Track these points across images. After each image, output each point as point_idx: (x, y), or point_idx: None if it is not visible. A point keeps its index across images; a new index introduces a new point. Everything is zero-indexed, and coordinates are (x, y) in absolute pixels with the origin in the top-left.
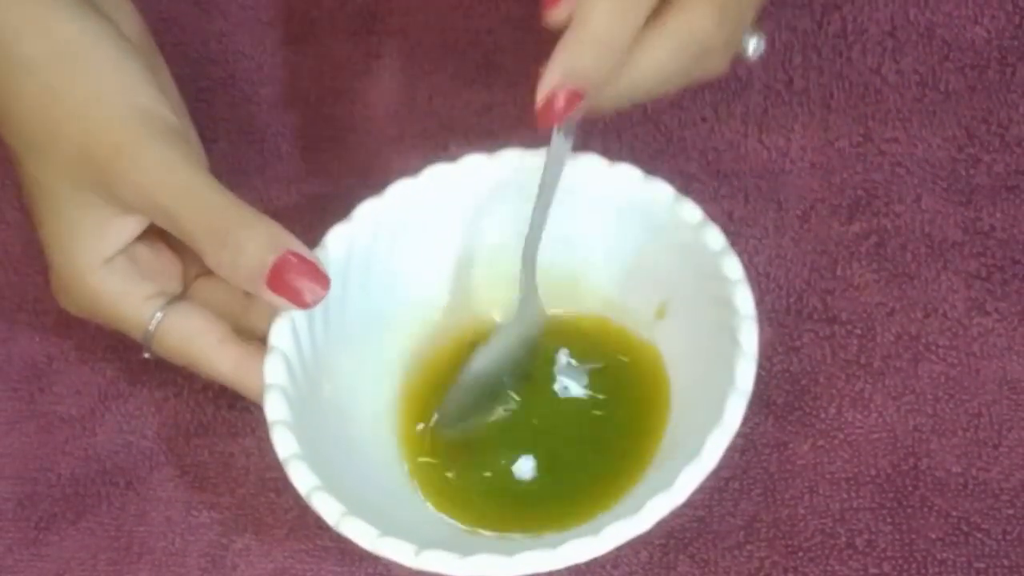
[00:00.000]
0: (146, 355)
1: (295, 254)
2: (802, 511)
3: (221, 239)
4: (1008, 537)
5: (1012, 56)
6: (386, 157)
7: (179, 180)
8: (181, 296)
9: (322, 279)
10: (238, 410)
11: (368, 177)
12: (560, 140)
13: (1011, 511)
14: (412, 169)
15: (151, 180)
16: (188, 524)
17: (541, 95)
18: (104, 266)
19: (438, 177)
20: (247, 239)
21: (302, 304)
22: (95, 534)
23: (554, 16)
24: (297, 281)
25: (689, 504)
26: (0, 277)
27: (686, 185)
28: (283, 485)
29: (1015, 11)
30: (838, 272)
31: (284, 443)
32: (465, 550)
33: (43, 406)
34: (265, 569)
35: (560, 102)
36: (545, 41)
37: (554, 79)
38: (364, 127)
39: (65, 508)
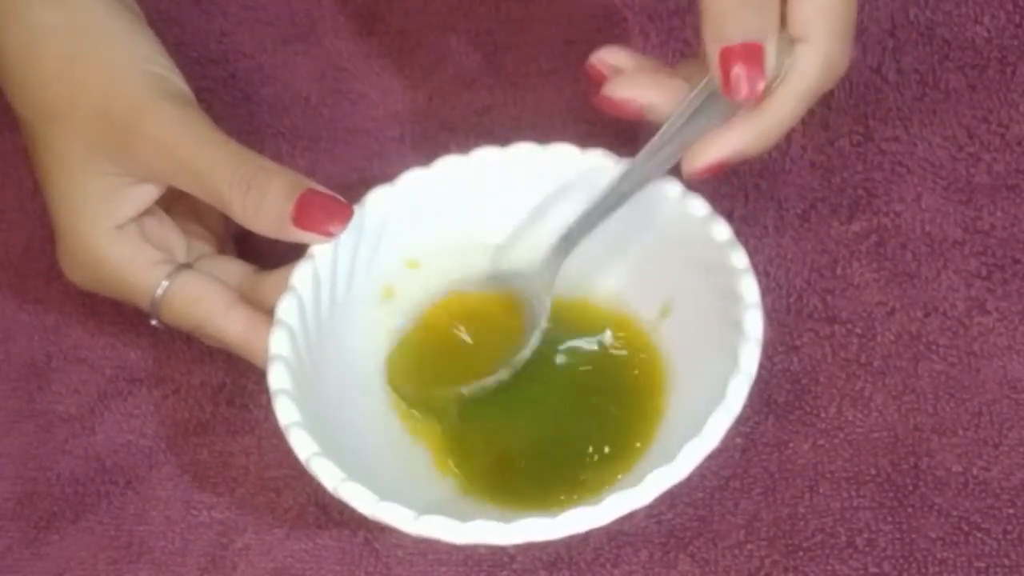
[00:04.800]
0: (153, 322)
1: (316, 191)
2: (802, 510)
3: (245, 184)
4: (1008, 537)
5: (1012, 55)
6: (387, 157)
7: (199, 135)
8: (188, 266)
9: (345, 210)
10: (237, 407)
11: (368, 177)
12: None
13: (1011, 511)
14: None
15: (172, 136)
16: (188, 523)
17: (703, 163)
18: (114, 232)
19: (449, 168)
20: (270, 181)
21: (327, 235)
22: (95, 533)
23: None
24: (321, 213)
25: (689, 503)
26: (0, 277)
27: (687, 184)
28: (283, 484)
29: (1015, 10)
30: (838, 271)
31: (285, 411)
32: (464, 517)
33: (42, 405)
34: (265, 568)
35: (717, 171)
36: (546, 41)
37: (722, 154)
38: (364, 127)
39: (65, 508)
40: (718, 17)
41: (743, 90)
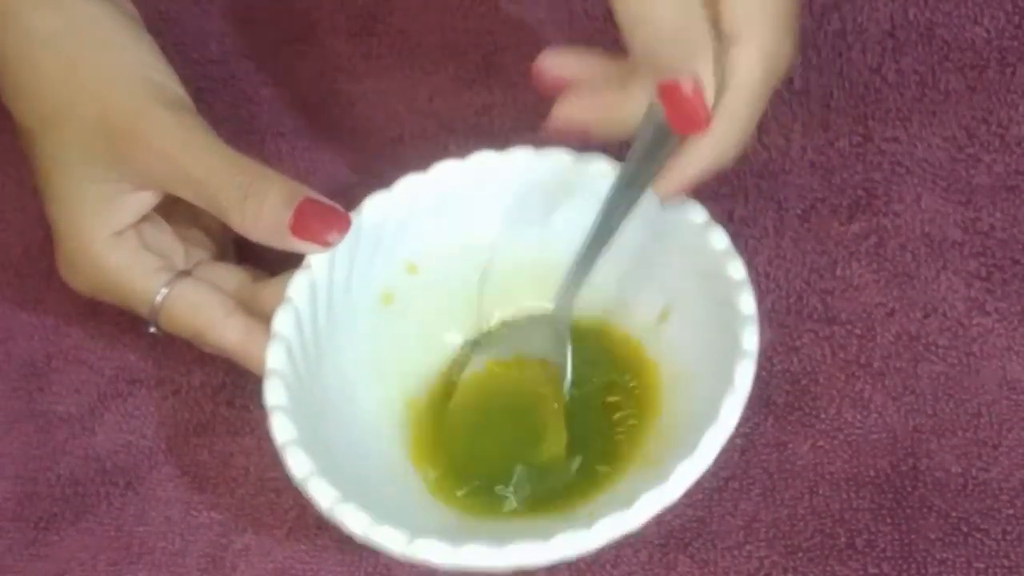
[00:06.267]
0: (152, 329)
1: (313, 200)
2: (802, 511)
3: (243, 192)
4: (1008, 537)
5: (1012, 56)
6: (386, 158)
7: (197, 142)
8: (187, 274)
9: (342, 220)
10: (237, 408)
11: (368, 178)
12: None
13: (1011, 511)
14: (412, 170)
15: (171, 143)
16: (188, 524)
17: (673, 190)
18: (113, 238)
19: (446, 173)
20: (268, 189)
21: (325, 244)
22: (95, 534)
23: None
24: (319, 223)
25: (689, 504)
26: (0, 277)
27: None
28: (283, 485)
29: (1015, 11)
30: (838, 272)
31: (282, 429)
32: (458, 540)
33: (42, 405)
34: (265, 569)
35: (693, 186)
36: (546, 42)
37: (689, 178)
38: (364, 128)
39: (65, 508)
40: (647, 53)
41: (686, 126)
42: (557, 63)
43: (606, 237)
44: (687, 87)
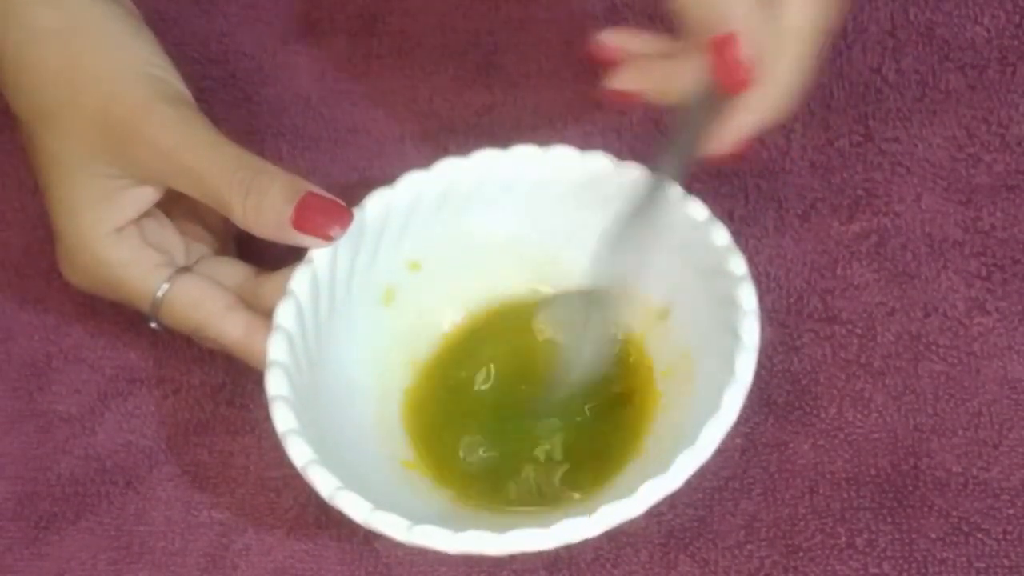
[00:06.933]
0: (152, 325)
1: (316, 194)
2: (802, 511)
3: (245, 187)
4: (1008, 537)
5: (1012, 55)
6: (386, 158)
7: (199, 137)
8: (187, 269)
9: (345, 214)
10: (237, 408)
11: (369, 178)
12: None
13: (1011, 511)
14: (413, 169)
15: (172, 139)
16: (188, 524)
17: (739, 135)
18: (114, 234)
19: (449, 170)
20: (270, 184)
21: (327, 238)
22: (95, 534)
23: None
24: (321, 217)
25: (689, 503)
26: (0, 277)
27: (686, 184)
28: (283, 484)
29: (1015, 10)
30: (838, 271)
31: (283, 418)
32: (458, 526)
33: (42, 405)
34: (265, 568)
35: (747, 147)
36: (546, 41)
37: (757, 123)
38: (364, 128)
39: (65, 508)
40: (688, 15)
41: (731, 84)
42: (617, 38)
43: (651, 209)
44: (725, 46)
